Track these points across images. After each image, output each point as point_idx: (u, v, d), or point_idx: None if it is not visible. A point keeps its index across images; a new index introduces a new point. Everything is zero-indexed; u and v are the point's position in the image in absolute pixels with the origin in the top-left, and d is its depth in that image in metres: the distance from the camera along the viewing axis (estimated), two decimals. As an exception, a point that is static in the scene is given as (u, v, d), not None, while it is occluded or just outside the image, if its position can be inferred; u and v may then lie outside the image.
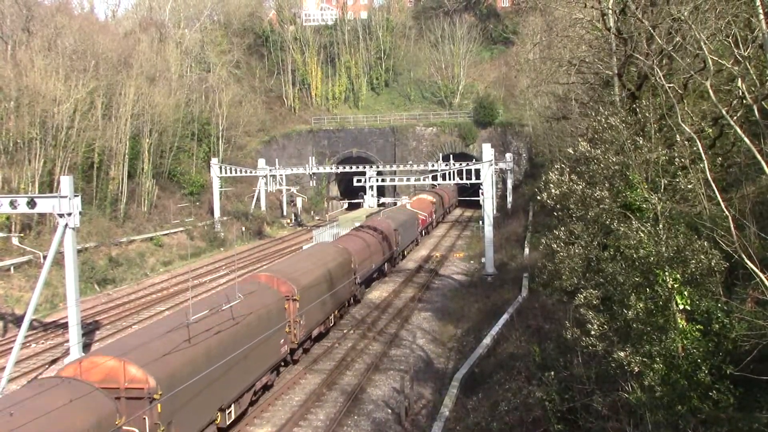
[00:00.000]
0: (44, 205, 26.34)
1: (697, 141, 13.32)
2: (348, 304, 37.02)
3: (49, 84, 48.99)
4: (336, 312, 33.95)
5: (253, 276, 29.04)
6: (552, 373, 17.51)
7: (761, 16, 11.00)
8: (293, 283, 27.64)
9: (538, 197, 17.66)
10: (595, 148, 15.86)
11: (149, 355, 17.04)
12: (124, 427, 15.61)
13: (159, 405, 16.41)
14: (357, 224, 49.29)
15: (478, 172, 48.32)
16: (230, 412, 21.08)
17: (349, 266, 36.04)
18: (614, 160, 15.38)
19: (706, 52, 12.78)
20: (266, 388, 25.11)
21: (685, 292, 13.64)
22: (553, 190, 16.48)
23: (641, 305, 13.81)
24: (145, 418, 16.05)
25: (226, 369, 20.17)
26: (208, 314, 20.75)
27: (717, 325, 13.31)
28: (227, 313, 21.38)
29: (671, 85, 16.18)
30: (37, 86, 48.18)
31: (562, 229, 16.85)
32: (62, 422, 13.84)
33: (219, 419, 20.23)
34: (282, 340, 25.80)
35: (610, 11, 22.98)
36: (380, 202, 63.45)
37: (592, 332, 14.90)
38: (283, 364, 26.86)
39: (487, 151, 47.10)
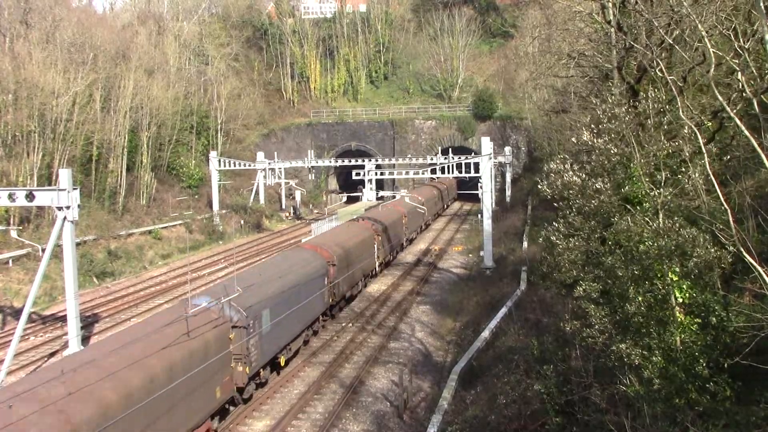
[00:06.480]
0: (43, 198, 26.29)
1: (698, 134, 13.30)
2: (371, 275, 42.25)
3: (48, 77, 48.88)
4: (363, 279, 39.33)
5: (301, 246, 35.23)
6: (550, 366, 17.55)
7: (762, 9, 10.96)
8: (332, 252, 33.14)
9: (539, 186, 17.64)
10: (598, 138, 15.83)
11: (241, 300, 22.19)
12: (231, 346, 21.25)
13: (248, 334, 21.90)
14: (355, 216, 49.55)
15: (477, 165, 48.25)
16: (289, 349, 26.89)
17: (372, 243, 41.41)
18: (616, 150, 15.34)
19: (707, 45, 12.75)
20: (314, 333, 30.99)
21: (684, 286, 13.65)
22: (554, 181, 16.44)
23: (640, 299, 13.82)
24: (240, 343, 21.52)
25: (290, 315, 25.91)
26: (285, 271, 27.36)
27: (715, 319, 13.33)
28: (292, 273, 27.69)
29: (671, 77, 16.16)
30: (35, 79, 48.06)
31: (562, 221, 16.85)
32: (215, 331, 20.07)
33: (282, 358, 25.91)
34: (324, 297, 31.33)
35: (610, 4, 22.93)
36: (379, 195, 63.50)
37: (596, 325, 14.92)
38: (322, 317, 32.47)
39: (486, 144, 47.05)
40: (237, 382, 21.71)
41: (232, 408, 22.57)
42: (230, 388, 21.38)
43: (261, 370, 23.83)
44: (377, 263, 42.83)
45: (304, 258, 30.78)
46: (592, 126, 16.57)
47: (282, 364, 26.15)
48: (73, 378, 14.34)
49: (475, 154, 65.84)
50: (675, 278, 13.65)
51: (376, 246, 42.01)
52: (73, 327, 26.57)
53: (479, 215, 57.06)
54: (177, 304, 22.61)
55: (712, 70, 12.93)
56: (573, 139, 18.22)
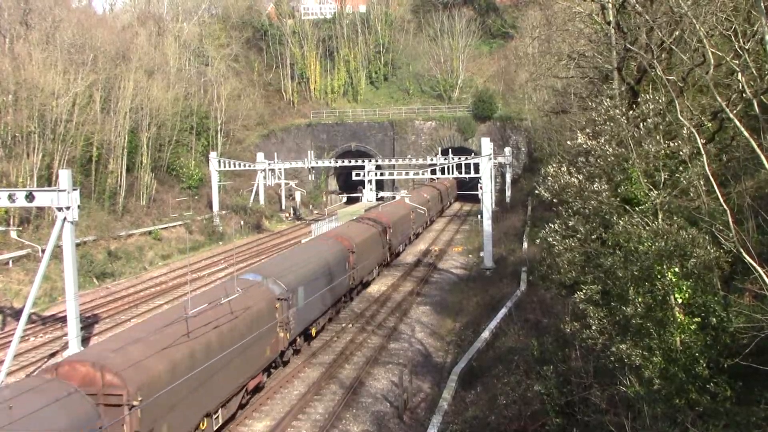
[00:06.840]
0: (43, 198, 26.29)
1: (697, 135, 13.30)
2: (384, 263, 46.12)
3: (48, 77, 48.87)
4: (377, 267, 43.33)
5: (325, 235, 39.72)
6: (550, 366, 17.55)
7: (762, 9, 10.97)
8: (352, 241, 36.98)
9: (536, 191, 17.66)
10: (595, 140, 15.82)
11: (282, 277, 26.30)
12: (277, 315, 24.83)
13: (288, 306, 25.73)
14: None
15: (477, 166, 48.26)
16: (318, 323, 30.67)
17: (385, 236, 45.33)
18: (612, 151, 15.34)
19: (707, 46, 12.76)
20: (337, 312, 35.00)
21: (684, 286, 13.64)
22: (551, 184, 16.45)
23: (640, 299, 13.81)
24: (284, 314, 25.38)
25: (319, 293, 29.88)
26: (314, 256, 31.89)
27: (715, 319, 13.33)
28: (320, 258, 32.09)
29: (671, 78, 16.17)
30: (35, 80, 48.06)
31: (558, 222, 16.85)
32: (266, 302, 24.15)
33: (313, 329, 29.99)
34: (346, 280, 35.27)
35: (610, 5, 22.93)
36: (379, 195, 63.53)
37: (594, 327, 14.92)
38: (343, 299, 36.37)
39: (486, 145, 47.05)
40: (280, 346, 25.45)
41: (273, 370, 26.01)
42: (276, 350, 25.18)
43: (297, 338, 27.82)
44: (388, 254, 46.89)
45: (329, 245, 35.06)
46: (588, 130, 16.59)
47: (312, 335, 30.27)
48: (172, 330, 18.76)
49: (475, 154, 65.87)
50: (675, 279, 13.64)
51: (387, 238, 45.76)
52: (73, 327, 26.58)
53: (479, 216, 57.06)
54: (229, 280, 25.98)
55: (711, 71, 12.94)
56: (569, 142, 18.22)
